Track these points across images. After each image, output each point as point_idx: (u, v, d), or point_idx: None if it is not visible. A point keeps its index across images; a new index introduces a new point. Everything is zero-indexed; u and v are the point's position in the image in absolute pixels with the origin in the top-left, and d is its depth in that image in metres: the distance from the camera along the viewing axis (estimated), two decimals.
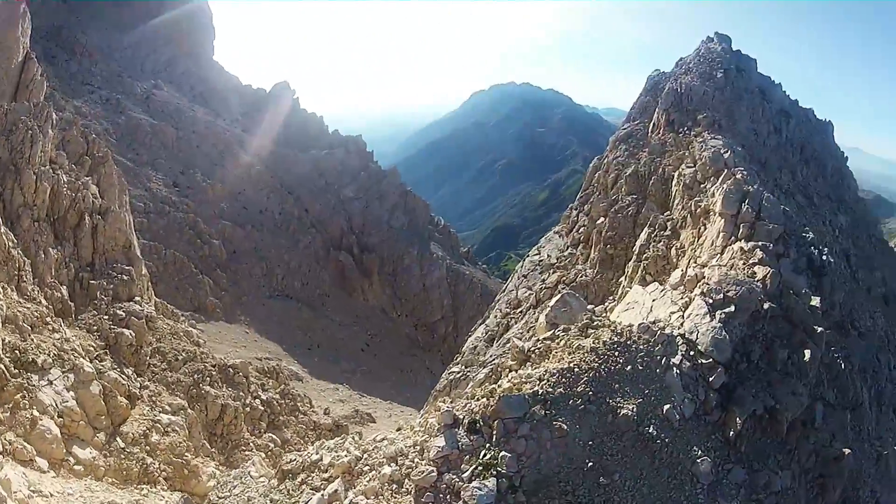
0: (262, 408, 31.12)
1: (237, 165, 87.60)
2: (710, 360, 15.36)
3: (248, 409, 29.68)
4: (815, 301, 19.16)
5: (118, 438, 19.67)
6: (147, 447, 20.49)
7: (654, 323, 16.22)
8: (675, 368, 14.85)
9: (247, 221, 77.48)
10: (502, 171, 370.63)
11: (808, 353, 17.00)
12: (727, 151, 32.06)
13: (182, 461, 21.01)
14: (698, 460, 13.57)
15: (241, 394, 30.03)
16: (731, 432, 14.66)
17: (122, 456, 19.28)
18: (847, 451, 16.69)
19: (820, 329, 17.84)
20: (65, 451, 17.16)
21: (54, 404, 17.82)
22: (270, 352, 54.58)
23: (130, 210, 36.96)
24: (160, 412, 22.72)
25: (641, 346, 14.94)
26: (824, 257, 24.57)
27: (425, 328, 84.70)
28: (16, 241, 24.88)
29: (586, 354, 14.07)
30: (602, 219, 39.18)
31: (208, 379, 28.51)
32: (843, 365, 21.41)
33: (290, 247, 78.49)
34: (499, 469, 11.66)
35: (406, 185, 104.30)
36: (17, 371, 17.44)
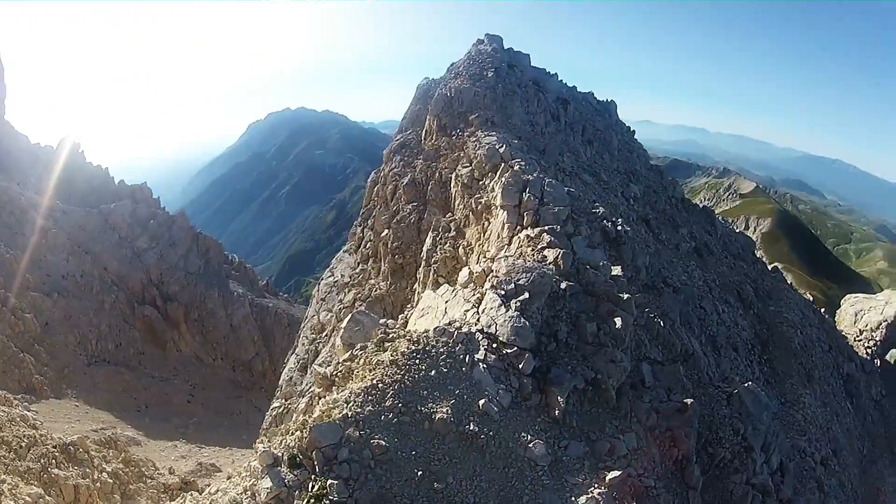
0: (111, 480, 30.43)
1: (35, 231, 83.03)
2: (515, 348, 15.69)
3: (98, 484, 28.90)
4: (616, 270, 19.80)
5: None
6: None
7: (449, 324, 16.56)
8: (480, 364, 15.14)
9: (52, 289, 73.50)
10: (287, 198, 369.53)
11: (618, 320, 17.40)
12: (502, 146, 31.80)
13: None
14: (530, 445, 13.88)
15: (88, 470, 29.22)
16: (556, 411, 15.00)
17: None
18: (689, 400, 17.26)
19: (626, 295, 18.34)
20: None
21: None
22: (104, 421, 52.57)
23: None
24: None
25: (441, 350, 15.22)
26: (619, 227, 25.30)
27: (243, 368, 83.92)
28: None
29: (387, 368, 14.34)
30: (386, 230, 39.16)
31: (54, 461, 27.68)
32: (661, 322, 22.48)
33: (98, 309, 75.36)
34: (330, 498, 11.79)
35: (195, 227, 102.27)
36: None
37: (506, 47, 49.25)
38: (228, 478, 14.05)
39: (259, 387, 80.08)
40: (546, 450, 14.00)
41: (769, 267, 52.40)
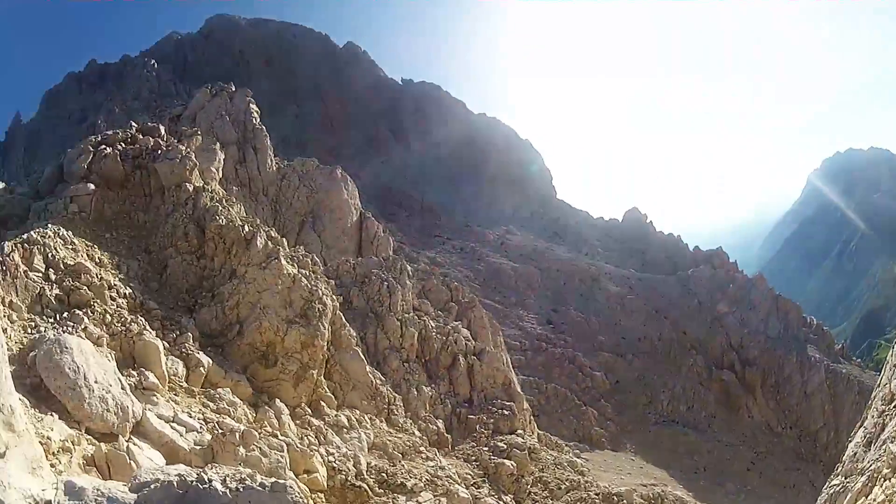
0: None
1: (608, 297, 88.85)
2: None
3: None
4: None
5: None
6: None
7: None
8: None
9: (627, 351, 77.40)
10: (857, 251, 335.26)
11: None
12: None
13: None
14: None
15: None
16: None
17: None
18: None
19: None
20: None
21: None
22: (656, 478, 52.89)
23: (506, 349, 38.96)
24: None
25: None
26: None
27: (808, 438, 77.80)
28: (384, 379, 27.37)
29: None
30: None
31: None
32: None
33: (674, 372, 77.02)
34: None
35: (773, 289, 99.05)
36: (381, 491, 18.10)
37: None
38: None
39: (819, 460, 73.52)
40: None
41: None
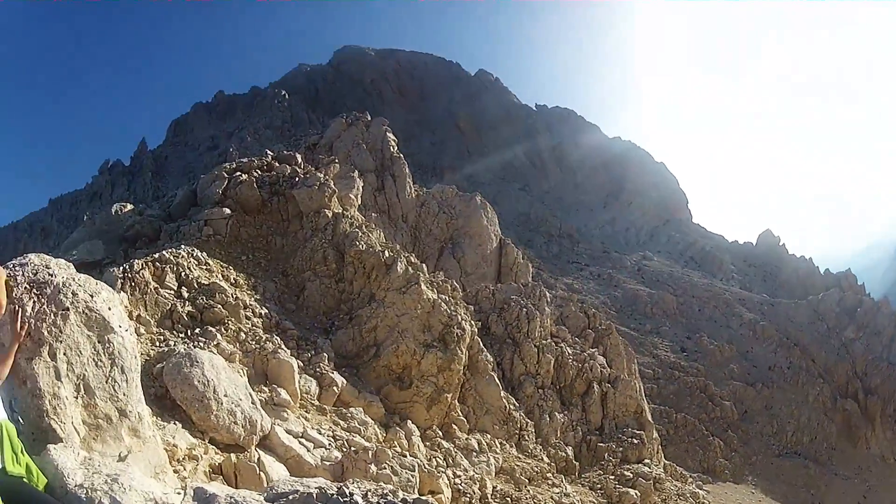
0: None
1: (741, 323, 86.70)
2: None
3: None
4: None
5: None
6: None
7: None
8: None
9: (757, 380, 75.41)
10: None
11: None
12: None
13: None
14: None
15: None
16: None
17: None
18: None
19: None
20: None
21: None
22: None
23: (640, 377, 38.26)
24: None
25: None
26: None
27: None
28: (517, 404, 27.13)
29: None
30: None
31: None
32: None
33: (801, 401, 74.32)
34: None
35: None
36: None
37: None
38: None
39: None
40: None
41: None
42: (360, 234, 25.23)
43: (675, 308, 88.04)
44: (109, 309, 6.52)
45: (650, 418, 35.53)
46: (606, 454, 29.73)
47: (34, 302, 5.82)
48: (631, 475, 27.52)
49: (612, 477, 27.34)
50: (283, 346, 17.82)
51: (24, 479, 4.98)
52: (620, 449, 30.37)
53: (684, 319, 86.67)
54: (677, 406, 63.94)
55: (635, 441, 31.05)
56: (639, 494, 25.94)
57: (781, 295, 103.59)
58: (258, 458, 11.03)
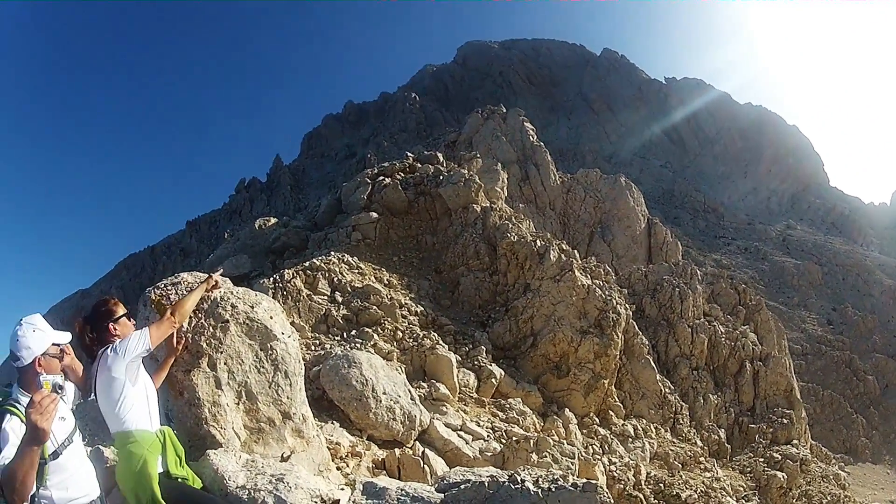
0: None
1: (882, 291, 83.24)
2: None
3: None
4: None
5: None
6: None
7: None
8: None
9: None
10: None
11: None
12: None
13: None
14: None
15: None
16: None
17: None
18: None
19: None
20: None
21: None
22: None
23: (789, 353, 36.89)
24: None
25: None
26: None
27: None
28: (672, 387, 26.64)
29: None
30: None
31: None
32: None
33: None
34: None
35: None
36: (655, 502, 17.68)
37: None
38: None
39: None
40: None
41: None
42: (510, 225, 25.43)
43: (820, 279, 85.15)
44: (271, 318, 6.82)
45: (799, 396, 34.35)
46: (757, 436, 29.09)
47: (191, 317, 6.13)
48: (779, 457, 26.81)
49: (762, 459, 26.76)
50: (440, 342, 18.17)
51: (188, 481, 5.27)
52: (771, 430, 29.67)
53: (829, 290, 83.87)
54: (824, 383, 61.95)
55: (785, 421, 30.24)
56: (786, 477, 25.25)
57: None
58: (423, 452, 11.30)
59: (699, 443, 25.06)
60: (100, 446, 6.05)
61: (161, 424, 5.24)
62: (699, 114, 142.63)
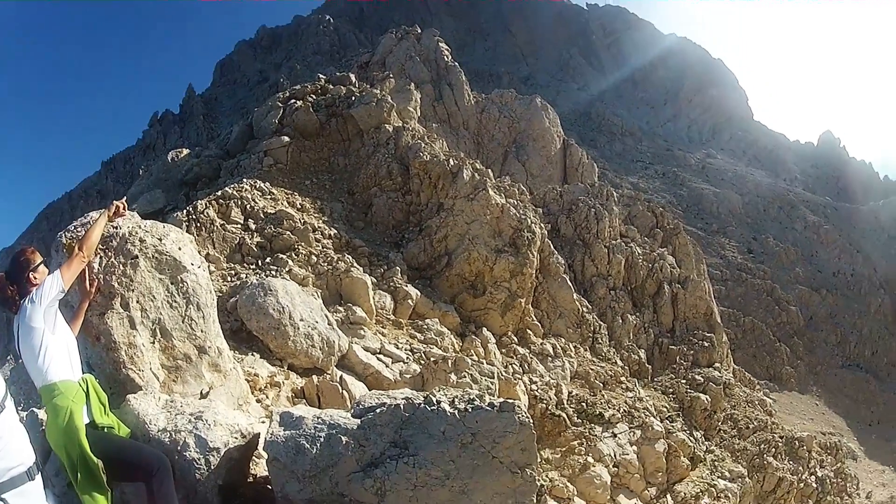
0: (815, 485, 28.76)
1: (805, 226, 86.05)
2: None
3: (801, 485, 27.59)
4: None
5: (668, 496, 19.25)
6: None
7: None
8: None
9: (821, 285, 74.64)
10: None
11: None
12: None
13: None
14: None
15: (800, 469, 28.05)
16: None
17: None
18: None
19: None
20: (609, 497, 16.93)
21: (612, 455, 17.79)
22: (835, 426, 51.84)
23: (709, 278, 37.86)
24: (718, 477, 22.05)
25: None
26: None
27: None
28: (590, 307, 27.09)
29: None
30: None
31: (773, 450, 27.26)
32: None
33: (863, 311, 73.47)
34: None
35: None
36: (579, 421, 18.07)
37: None
38: None
39: None
40: None
41: None
42: (422, 145, 25.08)
43: (740, 208, 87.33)
44: (180, 249, 6.60)
45: (719, 320, 35.37)
46: (678, 357, 29.81)
47: (100, 257, 5.89)
48: (702, 379, 27.45)
49: (684, 381, 27.39)
50: (355, 265, 17.99)
51: (114, 429, 5.14)
52: (691, 352, 30.39)
53: (749, 220, 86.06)
54: (745, 309, 63.76)
55: (706, 344, 31.01)
56: (709, 400, 25.95)
57: (842, 199, 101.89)
58: (340, 378, 11.28)
59: (619, 362, 25.56)
60: (34, 408, 5.83)
61: (84, 373, 5.09)
62: (621, 40, 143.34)
